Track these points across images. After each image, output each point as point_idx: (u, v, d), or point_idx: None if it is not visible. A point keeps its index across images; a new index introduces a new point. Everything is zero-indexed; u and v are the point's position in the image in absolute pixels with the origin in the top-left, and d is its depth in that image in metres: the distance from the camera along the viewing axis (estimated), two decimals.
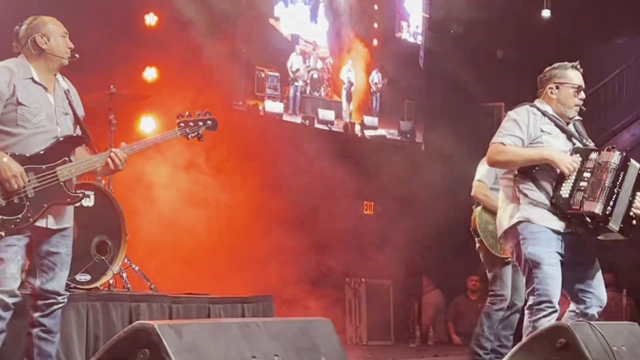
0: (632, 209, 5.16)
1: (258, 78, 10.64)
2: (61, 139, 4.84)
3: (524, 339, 4.70)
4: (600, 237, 5.26)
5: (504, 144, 5.23)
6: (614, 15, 13.47)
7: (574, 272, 5.21)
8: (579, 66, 5.38)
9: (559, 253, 5.15)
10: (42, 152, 4.75)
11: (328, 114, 11.65)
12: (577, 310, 5.25)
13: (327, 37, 11.68)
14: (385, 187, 11.37)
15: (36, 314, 4.82)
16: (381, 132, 12.45)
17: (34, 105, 4.77)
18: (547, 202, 5.16)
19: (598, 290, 5.27)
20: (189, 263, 8.80)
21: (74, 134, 4.96)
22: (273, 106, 10.80)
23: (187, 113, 5.42)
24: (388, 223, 11.53)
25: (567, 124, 5.37)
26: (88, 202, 6.34)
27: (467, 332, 11.82)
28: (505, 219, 5.32)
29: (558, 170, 5.13)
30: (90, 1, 8.32)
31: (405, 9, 13.04)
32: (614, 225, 5.12)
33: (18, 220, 4.63)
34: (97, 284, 6.38)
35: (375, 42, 12.47)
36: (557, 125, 5.29)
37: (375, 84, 12.34)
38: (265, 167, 9.64)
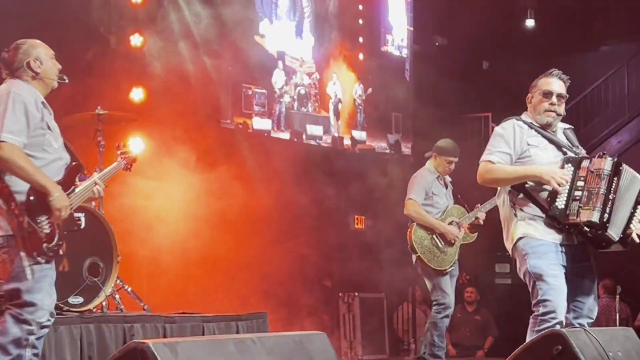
0: (633, 222, 5.14)
1: (245, 95, 10.64)
2: (71, 166, 4.85)
3: (520, 347, 4.70)
4: (604, 249, 5.23)
5: (492, 162, 5.22)
6: (598, 23, 13.57)
7: (570, 282, 5.18)
8: (555, 72, 5.33)
9: (561, 265, 5.13)
10: (60, 179, 4.74)
11: (316, 129, 11.66)
12: (567, 320, 5.23)
13: (313, 53, 11.71)
14: (375, 200, 11.38)
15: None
16: (370, 145, 12.47)
17: (55, 130, 4.76)
18: (544, 215, 5.15)
19: (590, 302, 5.25)
20: (182, 282, 8.77)
21: (78, 163, 4.96)
22: (261, 123, 10.80)
23: (122, 143, 6.03)
24: (379, 237, 11.53)
25: (554, 132, 5.33)
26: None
27: (463, 343, 11.84)
28: (508, 239, 5.32)
29: None
30: (75, 23, 8.32)
31: (389, 23, 13.09)
32: (613, 232, 5.10)
33: (56, 247, 4.62)
34: (90, 306, 6.34)
35: (361, 56, 12.50)
36: (544, 136, 5.27)
37: (360, 96, 12.37)
38: (255, 184, 9.63)
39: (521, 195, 5.21)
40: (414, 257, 7.75)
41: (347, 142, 12.12)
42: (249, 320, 7.00)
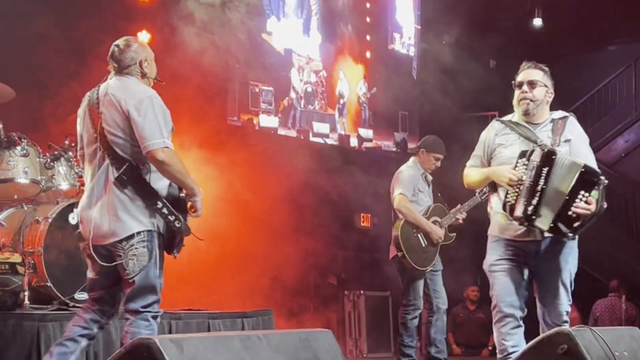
0: (573, 208, 4.88)
1: (252, 93, 10.65)
2: None
3: (526, 346, 4.69)
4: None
5: (467, 167, 5.34)
6: (606, 23, 13.55)
7: (535, 280, 5.12)
8: (524, 64, 5.31)
9: (510, 259, 5.09)
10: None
11: (323, 127, 11.67)
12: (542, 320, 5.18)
13: (320, 51, 11.71)
14: (381, 199, 11.37)
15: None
16: (376, 143, 12.47)
17: None
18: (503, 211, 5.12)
19: (551, 302, 5.08)
20: (187, 279, 8.78)
21: None
22: (268, 120, 10.81)
23: None
24: (385, 235, 11.53)
25: (538, 123, 5.20)
26: None
27: (467, 342, 11.83)
28: None
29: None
30: (85, 17, 8.35)
31: (397, 21, 13.08)
32: (542, 225, 4.95)
33: (182, 246, 4.83)
34: None
35: (368, 54, 12.50)
36: (517, 132, 5.18)
37: (364, 94, 12.37)
38: (261, 181, 9.63)
39: (493, 191, 5.23)
40: (393, 253, 7.65)
41: (353, 139, 12.12)
42: (254, 317, 7.02)
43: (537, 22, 14.31)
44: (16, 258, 5.96)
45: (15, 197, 6.62)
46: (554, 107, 5.42)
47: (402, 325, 7.64)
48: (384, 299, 11.53)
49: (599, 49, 14.65)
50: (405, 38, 13.12)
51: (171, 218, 4.64)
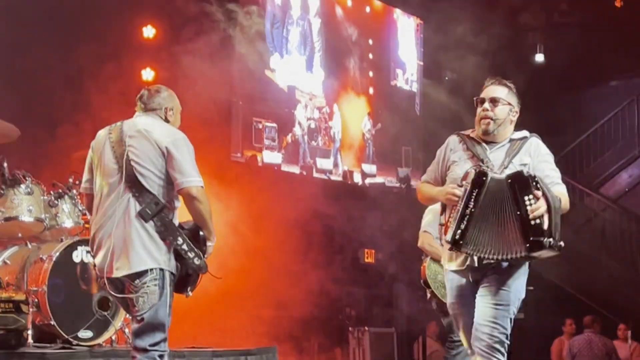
0: (530, 215, 4.48)
1: (255, 129, 10.68)
2: None
3: None
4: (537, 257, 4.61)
5: (421, 181, 5.12)
6: (608, 58, 13.58)
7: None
8: (488, 80, 5.00)
9: (459, 293, 4.83)
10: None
11: (326, 163, 11.68)
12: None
13: (323, 87, 11.76)
14: (386, 234, 11.36)
15: None
16: (380, 179, 12.47)
17: None
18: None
19: (478, 327, 4.73)
20: (192, 316, 8.75)
21: None
22: (271, 157, 10.83)
23: None
24: (390, 271, 11.50)
25: (497, 143, 4.87)
26: (90, 258, 6.31)
27: None
28: None
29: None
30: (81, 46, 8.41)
31: (399, 58, 13.15)
32: (473, 250, 4.59)
33: (195, 286, 4.85)
34: (99, 340, 6.34)
35: (371, 90, 12.55)
36: (471, 149, 4.87)
37: (369, 130, 12.40)
38: (264, 217, 9.63)
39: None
40: (428, 293, 7.57)
41: (357, 175, 12.13)
42: (258, 355, 6.98)
43: (539, 57, 14.38)
44: (20, 296, 5.95)
45: (20, 235, 6.63)
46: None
47: None
48: (389, 335, 11.47)
49: (601, 84, 14.69)
50: (408, 74, 13.18)
51: (191, 255, 4.66)
